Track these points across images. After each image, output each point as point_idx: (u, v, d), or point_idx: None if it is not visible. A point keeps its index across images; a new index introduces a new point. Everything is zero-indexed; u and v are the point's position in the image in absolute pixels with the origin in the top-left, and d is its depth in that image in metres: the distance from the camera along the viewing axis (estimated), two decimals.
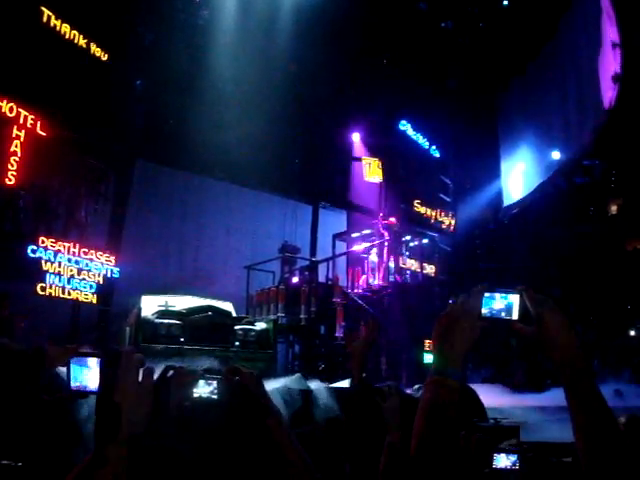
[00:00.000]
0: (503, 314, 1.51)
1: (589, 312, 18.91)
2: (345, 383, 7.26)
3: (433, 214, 17.17)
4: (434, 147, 18.01)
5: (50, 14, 10.87)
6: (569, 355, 1.40)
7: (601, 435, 1.30)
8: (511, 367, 16.67)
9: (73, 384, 1.46)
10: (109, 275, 11.44)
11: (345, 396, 6.68)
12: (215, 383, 1.72)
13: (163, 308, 9.43)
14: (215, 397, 1.71)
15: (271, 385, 6.22)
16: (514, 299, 1.51)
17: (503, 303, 1.52)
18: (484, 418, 7.69)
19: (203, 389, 1.71)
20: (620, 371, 14.84)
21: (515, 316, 1.50)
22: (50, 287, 10.48)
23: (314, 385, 6.94)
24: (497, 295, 1.53)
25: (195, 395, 1.70)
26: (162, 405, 1.67)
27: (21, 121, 10.26)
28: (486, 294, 1.53)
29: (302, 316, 11.62)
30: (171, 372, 1.70)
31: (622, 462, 1.27)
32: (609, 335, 18.43)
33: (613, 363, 16.71)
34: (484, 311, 1.51)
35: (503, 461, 2.16)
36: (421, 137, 17.57)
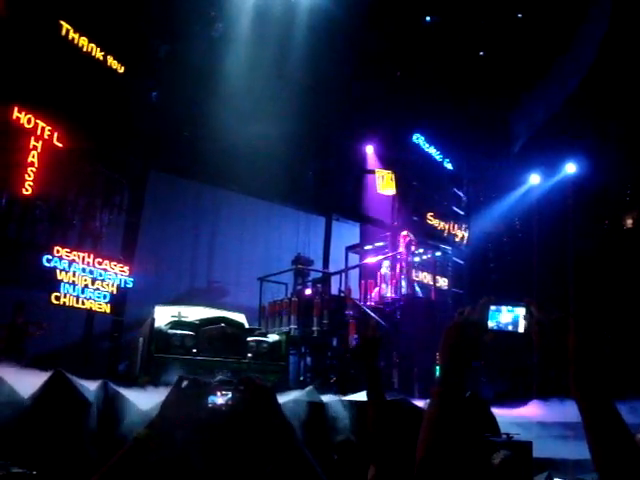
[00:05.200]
0: (510, 327, 1.50)
1: (604, 327, 18.73)
2: (358, 396, 7.23)
3: (446, 227, 17.12)
4: (447, 160, 17.99)
5: (69, 27, 11.03)
6: (579, 361, 1.36)
7: (616, 449, 1.27)
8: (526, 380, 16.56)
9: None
10: (123, 285, 11.50)
11: (362, 409, 6.66)
12: (229, 394, 1.73)
13: (176, 319, 9.47)
14: (229, 408, 1.72)
15: (284, 398, 6.21)
16: (520, 312, 1.51)
17: (510, 316, 1.51)
18: (496, 433, 7.64)
19: (217, 400, 1.72)
20: (637, 387, 14.66)
21: (521, 329, 1.49)
22: (64, 296, 10.55)
23: (327, 398, 6.92)
24: (504, 308, 1.53)
25: (209, 405, 1.71)
26: (177, 414, 1.68)
27: (38, 132, 10.40)
28: (492, 307, 1.53)
29: (314, 328, 11.60)
30: (185, 382, 1.72)
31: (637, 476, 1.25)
32: (625, 350, 18.23)
33: (629, 379, 16.51)
34: (491, 324, 1.50)
35: None
36: (434, 150, 17.55)
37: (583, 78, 15.65)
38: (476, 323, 1.49)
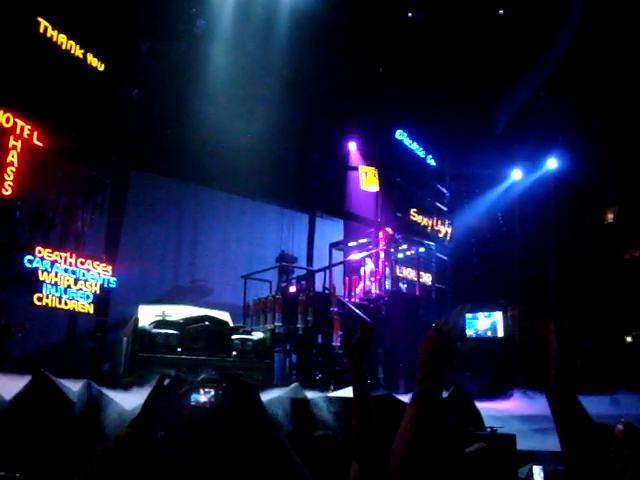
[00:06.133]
0: (489, 333, 1.49)
1: (586, 320, 18.92)
2: (343, 392, 7.24)
3: (430, 223, 17.19)
4: (430, 156, 18.05)
5: (47, 25, 10.90)
6: (555, 361, 1.41)
7: (582, 439, 1.33)
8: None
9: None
10: (106, 285, 11.41)
11: (347, 405, 6.67)
12: (212, 391, 1.72)
13: (160, 318, 9.42)
14: (212, 405, 1.71)
15: (269, 395, 6.21)
16: (498, 316, 1.49)
17: (487, 322, 1.49)
18: (481, 427, 7.68)
19: (200, 397, 1.71)
20: (617, 379, 14.83)
21: (500, 334, 1.48)
22: (47, 297, 10.45)
23: (312, 395, 6.92)
24: (480, 315, 1.50)
25: (192, 403, 1.70)
26: (159, 413, 1.67)
27: (17, 131, 10.27)
28: (469, 315, 1.50)
29: (299, 325, 11.60)
30: (167, 380, 1.71)
31: (602, 465, 1.29)
32: (606, 343, 18.43)
33: (610, 371, 16.70)
34: (469, 332, 1.49)
35: None
36: (417, 146, 17.61)
37: (562, 69, 15.92)
38: (453, 333, 1.46)
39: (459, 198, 19.20)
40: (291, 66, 14.05)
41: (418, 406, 1.38)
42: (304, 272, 14.31)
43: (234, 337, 9.33)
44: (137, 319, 9.01)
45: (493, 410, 9.07)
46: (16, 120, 10.24)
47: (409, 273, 15.46)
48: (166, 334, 8.80)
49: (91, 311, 11.22)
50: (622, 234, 19.82)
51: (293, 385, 7.05)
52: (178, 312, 9.95)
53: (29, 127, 10.42)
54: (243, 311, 12.68)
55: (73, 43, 11.33)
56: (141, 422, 1.66)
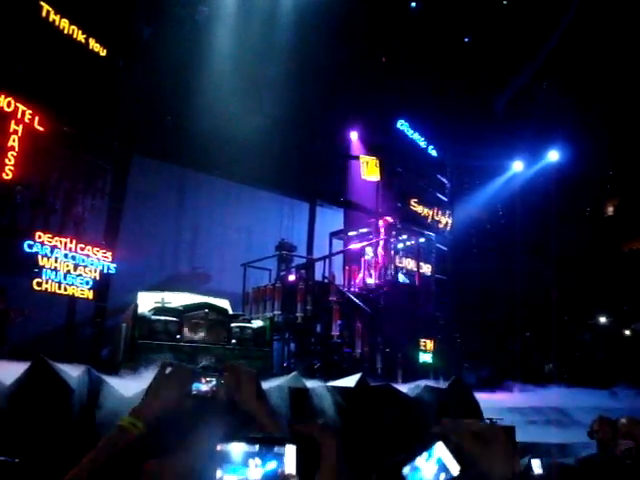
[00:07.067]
0: (442, 478, 1.10)
1: (585, 314, 18.96)
2: (342, 382, 7.26)
3: (430, 213, 17.16)
4: (432, 147, 18.00)
5: (49, 9, 10.83)
6: None
7: None
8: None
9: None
10: (105, 271, 11.41)
11: (346, 395, 6.69)
12: (214, 380, 1.72)
13: (159, 305, 9.42)
14: (214, 395, 1.71)
15: (268, 384, 6.21)
16: (440, 449, 1.13)
17: (433, 465, 1.12)
18: (480, 418, 7.71)
19: (202, 386, 1.71)
20: (615, 372, 14.89)
21: (455, 470, 1.11)
22: (46, 282, 10.45)
23: (311, 384, 6.93)
24: (419, 461, 1.12)
25: (194, 392, 1.70)
26: (160, 401, 1.67)
27: (19, 116, 10.22)
28: (405, 470, 1.11)
29: (298, 314, 11.62)
30: (169, 369, 1.70)
31: None
32: (605, 336, 18.49)
33: (608, 364, 16.76)
34: None
35: None
36: (419, 136, 17.55)
37: (563, 61, 15.91)
38: None
39: (459, 189, 19.16)
40: (293, 54, 13.97)
41: None
42: (304, 261, 14.31)
43: (233, 325, 9.34)
44: (136, 305, 9.01)
45: (489, 402, 9.11)
46: (17, 104, 10.20)
47: (409, 263, 15.45)
48: (165, 321, 8.81)
49: (90, 297, 11.22)
50: (622, 227, 19.83)
51: (292, 374, 7.06)
52: (177, 299, 9.95)
53: (30, 112, 10.37)
54: (242, 299, 12.69)
55: (75, 28, 11.26)
56: (142, 410, 1.65)
